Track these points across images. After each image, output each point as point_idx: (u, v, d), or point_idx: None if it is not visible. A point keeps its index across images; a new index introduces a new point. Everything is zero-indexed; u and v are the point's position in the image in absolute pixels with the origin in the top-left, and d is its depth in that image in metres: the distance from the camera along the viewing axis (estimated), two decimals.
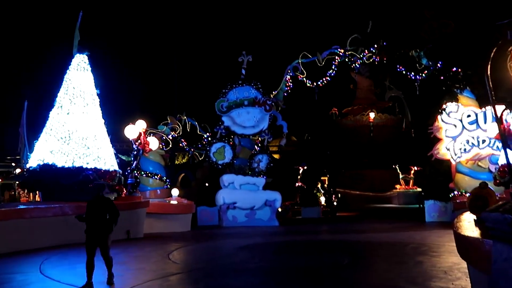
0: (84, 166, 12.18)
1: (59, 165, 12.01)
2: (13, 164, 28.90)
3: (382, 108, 43.11)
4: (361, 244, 11.73)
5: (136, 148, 13.76)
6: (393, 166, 33.46)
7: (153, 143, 14.66)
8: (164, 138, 18.17)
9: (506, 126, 13.61)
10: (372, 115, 38.92)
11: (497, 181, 12.57)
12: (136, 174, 14.98)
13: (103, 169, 12.52)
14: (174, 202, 15.91)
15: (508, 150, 5.35)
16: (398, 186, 33.35)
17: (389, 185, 33.70)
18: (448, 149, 17.39)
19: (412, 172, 33.03)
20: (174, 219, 15.42)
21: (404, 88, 43.61)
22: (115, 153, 13.63)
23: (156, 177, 16.49)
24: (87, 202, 7.24)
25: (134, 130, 13.60)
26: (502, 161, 13.06)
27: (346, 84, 45.31)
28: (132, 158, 13.87)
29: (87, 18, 14.48)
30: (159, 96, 32.84)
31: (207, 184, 21.61)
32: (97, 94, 13.47)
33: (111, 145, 13.43)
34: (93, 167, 12.31)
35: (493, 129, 16.21)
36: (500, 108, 9.71)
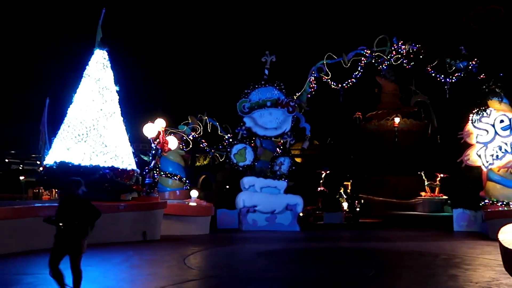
0: (101, 165, 11.83)
1: (76, 163, 11.69)
2: (38, 162, 29.00)
3: (407, 113, 42.41)
4: (387, 253, 11.11)
5: (154, 147, 13.38)
6: (418, 173, 32.58)
7: (172, 142, 14.28)
8: (184, 138, 17.85)
9: None
10: (397, 120, 38.23)
11: None
12: (155, 174, 14.63)
13: (120, 168, 12.17)
14: (193, 203, 15.52)
15: None
16: (423, 193, 32.53)
17: (414, 192, 32.92)
18: (479, 156, 16.56)
19: (438, 179, 32.15)
20: (192, 221, 15.02)
21: (430, 93, 42.74)
22: (133, 152, 13.27)
23: (175, 177, 16.14)
24: (59, 201, 6.31)
25: (153, 128, 13.23)
26: None
27: (371, 88, 44.66)
28: (151, 158, 13.49)
29: (109, 15, 14.23)
30: (180, 96, 32.61)
31: (227, 187, 21.26)
32: (117, 91, 13.14)
33: (129, 144, 13.07)
34: (110, 165, 11.95)
35: None
36: None
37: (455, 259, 9.55)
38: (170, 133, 16.16)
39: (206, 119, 18.68)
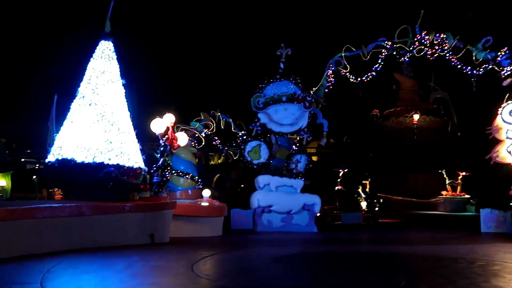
0: (106, 162, 11.08)
1: (79, 160, 10.96)
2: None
3: (426, 110, 41.60)
4: (415, 258, 10.18)
5: (163, 144, 12.61)
6: (439, 171, 31.53)
7: (182, 138, 13.51)
8: (196, 135, 17.16)
9: None
10: (416, 117, 37.34)
11: None
12: (166, 173, 13.91)
13: (126, 165, 11.40)
14: (205, 204, 14.74)
15: None
16: (444, 192, 31.50)
17: (434, 190, 31.96)
18: (510, 152, 15.55)
19: (460, 177, 31.10)
20: (204, 222, 14.24)
21: (450, 89, 41.55)
22: (141, 149, 12.51)
23: (187, 176, 15.37)
24: None
25: (161, 124, 12.45)
26: None
27: (388, 85, 43.82)
28: (159, 155, 12.72)
29: (119, 8, 13.54)
30: (192, 91, 31.91)
31: (242, 186, 20.58)
32: (123, 85, 12.39)
33: (136, 140, 12.32)
34: (115, 163, 11.20)
35: None
36: None
37: (493, 266, 8.60)
38: (181, 130, 15.46)
39: (219, 115, 17.99)
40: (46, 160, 11.57)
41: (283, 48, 17.67)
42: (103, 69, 12.04)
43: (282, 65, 17.59)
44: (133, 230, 11.11)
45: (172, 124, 13.04)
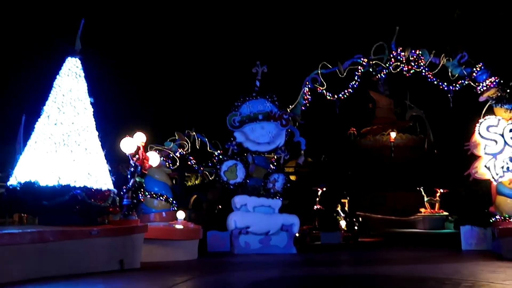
0: (72, 185, 10.47)
1: (43, 183, 10.33)
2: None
3: (402, 128, 41.94)
4: (399, 280, 9.74)
5: (133, 164, 12.04)
6: (417, 188, 31.52)
7: (154, 158, 12.96)
8: (171, 155, 16.62)
9: None
10: (393, 134, 37.55)
11: None
12: (139, 194, 13.32)
13: (94, 188, 10.80)
14: (179, 226, 14.17)
15: None
16: (422, 210, 31.45)
17: (413, 208, 31.94)
18: (488, 168, 15.38)
19: (438, 194, 31.11)
20: (178, 245, 13.68)
21: (425, 107, 41.95)
22: (110, 170, 11.91)
23: (161, 198, 14.83)
24: None
25: (131, 143, 11.90)
26: None
27: (365, 104, 44.17)
28: (129, 176, 12.12)
29: (90, 25, 13.09)
30: (166, 110, 31.38)
31: (219, 207, 20.09)
32: (91, 103, 11.85)
33: (106, 161, 11.73)
34: (82, 185, 10.59)
35: None
36: None
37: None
38: (155, 150, 14.93)
39: (194, 135, 17.51)
40: (8, 183, 10.90)
41: (258, 66, 17.41)
42: (70, 87, 11.51)
43: (258, 83, 17.31)
44: (101, 256, 10.47)
45: (143, 144, 12.49)
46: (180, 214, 14.73)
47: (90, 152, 11.13)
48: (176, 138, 16.97)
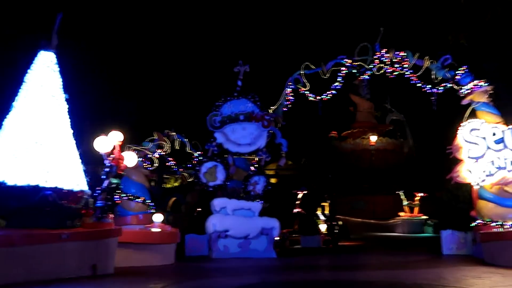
0: (42, 185, 9.96)
1: (11, 183, 9.80)
2: None
3: (383, 132, 42.00)
4: (382, 286, 9.49)
5: (108, 164, 11.56)
6: (397, 192, 31.54)
7: (130, 158, 12.50)
8: (149, 156, 16.15)
9: None
10: (373, 138, 37.55)
11: None
12: (115, 196, 12.81)
13: (66, 188, 10.30)
14: (155, 229, 13.71)
15: None
16: (402, 214, 31.42)
17: (392, 212, 31.89)
18: (470, 172, 15.28)
19: (417, 198, 31.15)
20: (154, 250, 13.22)
21: (406, 110, 42.17)
22: (85, 171, 11.41)
23: (138, 200, 14.36)
24: None
25: (106, 142, 11.42)
26: None
27: (345, 107, 44.17)
28: (104, 176, 11.63)
29: (68, 19, 12.58)
30: (145, 109, 30.75)
31: (199, 209, 19.69)
32: (66, 100, 11.33)
33: (80, 161, 11.23)
34: (53, 186, 10.08)
35: None
36: None
37: None
38: (134, 151, 14.46)
39: (173, 135, 17.05)
40: None
41: (241, 65, 17.11)
42: (42, 82, 10.97)
43: (240, 83, 16.99)
44: (72, 261, 9.97)
45: (120, 143, 12.01)
46: (157, 217, 14.27)
47: (63, 151, 10.62)
48: (155, 138, 16.53)
